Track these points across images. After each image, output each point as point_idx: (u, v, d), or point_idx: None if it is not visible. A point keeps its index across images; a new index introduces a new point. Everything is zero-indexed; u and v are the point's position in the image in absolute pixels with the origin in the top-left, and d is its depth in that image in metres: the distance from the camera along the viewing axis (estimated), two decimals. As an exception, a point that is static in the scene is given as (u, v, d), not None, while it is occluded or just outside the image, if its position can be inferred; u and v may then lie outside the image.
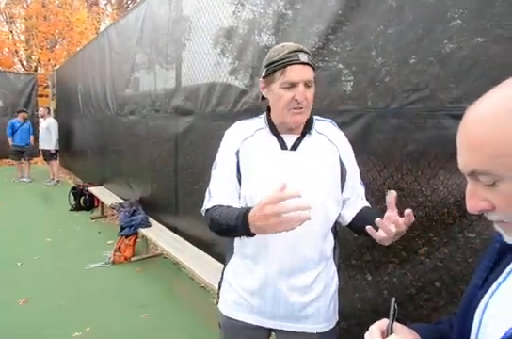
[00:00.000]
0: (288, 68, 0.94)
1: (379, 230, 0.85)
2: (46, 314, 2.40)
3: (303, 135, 1.04)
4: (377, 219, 0.84)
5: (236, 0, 2.38)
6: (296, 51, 0.94)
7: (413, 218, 0.81)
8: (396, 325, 0.61)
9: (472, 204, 0.47)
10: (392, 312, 0.61)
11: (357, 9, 1.58)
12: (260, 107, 2.10)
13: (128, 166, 4.47)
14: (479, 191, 0.46)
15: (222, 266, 1.21)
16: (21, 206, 5.42)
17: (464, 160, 0.46)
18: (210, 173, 1.11)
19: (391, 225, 0.82)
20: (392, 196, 0.81)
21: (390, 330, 0.60)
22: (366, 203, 1.13)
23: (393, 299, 0.62)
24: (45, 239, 3.89)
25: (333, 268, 1.11)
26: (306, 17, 1.86)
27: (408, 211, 0.78)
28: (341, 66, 1.80)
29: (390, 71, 1.52)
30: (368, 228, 0.85)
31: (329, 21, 1.70)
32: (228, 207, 0.98)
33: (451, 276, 1.35)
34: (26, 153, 7.41)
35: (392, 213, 0.82)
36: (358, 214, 1.08)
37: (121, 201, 4.28)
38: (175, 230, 3.32)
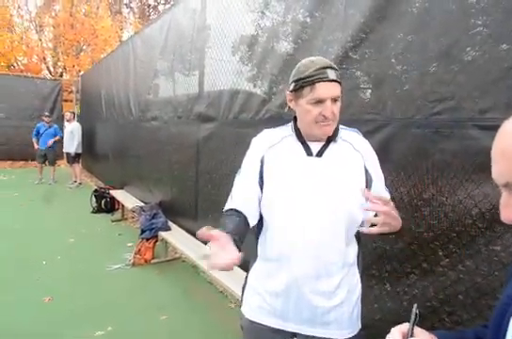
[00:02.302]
0: (317, 85, 0.95)
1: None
2: (69, 313, 2.47)
3: (328, 142, 1.06)
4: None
5: (261, 9, 2.43)
6: (324, 68, 0.96)
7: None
8: (416, 329, 0.65)
9: (507, 214, 0.48)
10: (412, 316, 0.64)
11: (383, 19, 1.59)
12: (282, 116, 2.14)
13: (149, 170, 4.57)
14: None
15: (241, 270, 1.23)
16: (44, 207, 5.60)
17: (498, 171, 0.47)
18: (231, 179, 1.15)
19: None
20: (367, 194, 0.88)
21: (410, 334, 0.63)
22: None
23: (415, 305, 0.65)
24: (68, 240, 4.01)
25: (356, 275, 1.12)
26: (330, 26, 1.89)
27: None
28: (360, 74, 1.81)
29: (415, 80, 1.52)
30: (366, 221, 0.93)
31: (353, 29, 1.71)
32: (231, 219, 1.00)
33: (476, 289, 1.32)
34: (50, 156, 7.52)
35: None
36: None
37: (142, 204, 4.37)
38: (194, 234, 3.36)
